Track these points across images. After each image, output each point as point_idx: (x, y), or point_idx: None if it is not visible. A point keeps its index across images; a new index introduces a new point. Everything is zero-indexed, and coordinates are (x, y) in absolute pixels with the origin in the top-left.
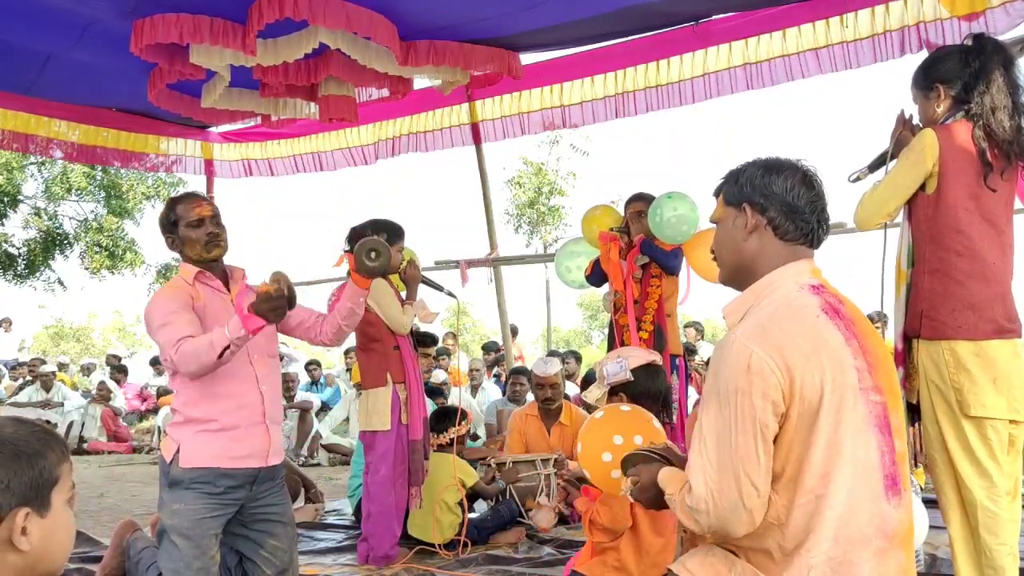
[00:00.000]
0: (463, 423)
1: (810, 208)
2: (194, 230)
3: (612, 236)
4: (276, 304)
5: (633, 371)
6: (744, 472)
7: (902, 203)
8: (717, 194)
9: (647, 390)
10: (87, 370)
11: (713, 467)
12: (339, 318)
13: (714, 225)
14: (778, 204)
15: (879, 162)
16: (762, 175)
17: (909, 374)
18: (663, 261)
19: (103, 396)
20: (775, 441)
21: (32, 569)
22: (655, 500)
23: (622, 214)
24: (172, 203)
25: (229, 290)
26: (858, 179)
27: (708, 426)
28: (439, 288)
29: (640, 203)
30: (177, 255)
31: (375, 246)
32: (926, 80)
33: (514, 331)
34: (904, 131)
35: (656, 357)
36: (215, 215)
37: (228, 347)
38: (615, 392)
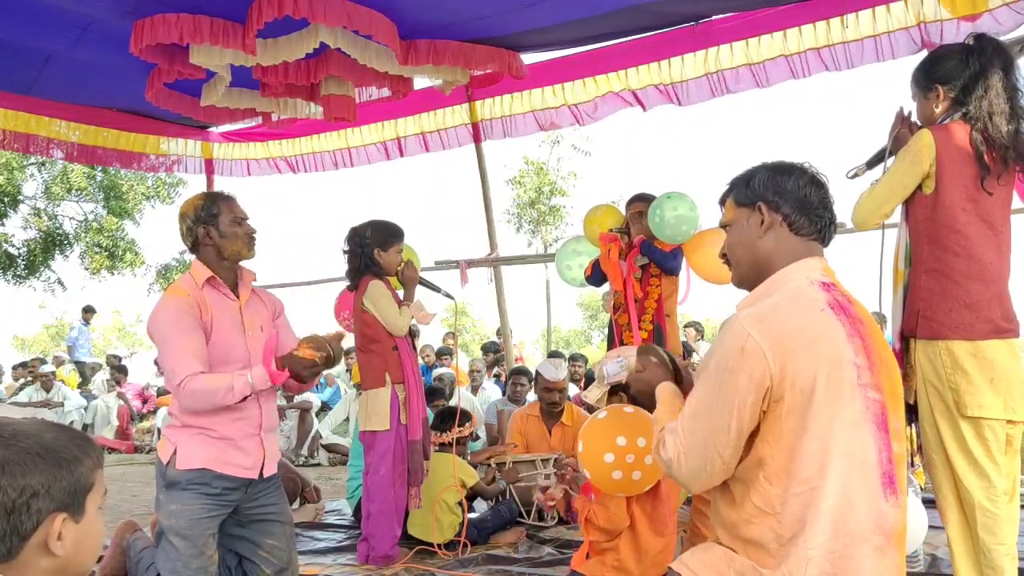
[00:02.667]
0: (467, 424)
1: (821, 204)
2: (239, 227)
3: (612, 236)
4: (316, 371)
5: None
6: (713, 443)
7: (899, 203)
8: (723, 201)
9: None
10: (93, 369)
11: (687, 433)
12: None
13: (716, 226)
14: (792, 201)
15: (877, 159)
16: (773, 175)
17: (906, 374)
18: (662, 262)
19: (120, 393)
20: (764, 426)
21: (62, 572)
22: (648, 397)
23: (624, 214)
24: (214, 197)
25: (239, 295)
26: (856, 175)
27: (695, 394)
28: (436, 289)
29: (641, 203)
30: (178, 254)
31: (321, 344)
32: (926, 80)
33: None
34: (903, 129)
35: None
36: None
37: (249, 395)
38: (615, 392)
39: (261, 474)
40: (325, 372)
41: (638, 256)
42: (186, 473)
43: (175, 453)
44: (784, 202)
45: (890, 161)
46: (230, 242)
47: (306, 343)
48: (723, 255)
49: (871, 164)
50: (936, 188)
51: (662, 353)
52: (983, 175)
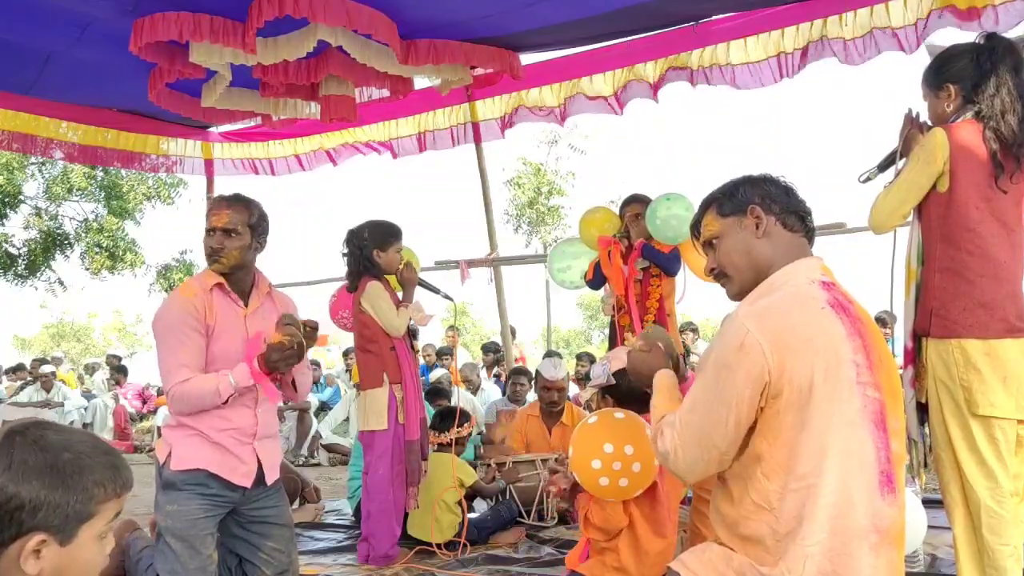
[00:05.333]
0: (466, 425)
1: (802, 203)
2: (206, 237)
3: (612, 240)
4: (288, 355)
5: (616, 373)
6: (711, 436)
7: (916, 203)
8: (697, 223)
9: (630, 392)
10: (91, 369)
11: (685, 426)
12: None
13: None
14: (780, 201)
15: (888, 161)
16: (756, 183)
17: (918, 373)
18: (665, 265)
19: (115, 395)
20: (762, 421)
21: None
22: (645, 379)
23: (619, 216)
24: (210, 201)
25: (249, 302)
26: (868, 179)
27: (694, 389)
28: (436, 291)
29: (637, 205)
30: (178, 254)
31: (292, 322)
32: (937, 79)
33: (512, 332)
34: (912, 129)
35: None
36: (226, 228)
37: (233, 394)
38: (604, 394)
39: (261, 481)
40: (324, 372)
41: (639, 259)
42: (182, 474)
43: (171, 454)
44: (774, 203)
45: (901, 163)
46: (204, 247)
47: (278, 328)
48: (712, 270)
49: (883, 167)
50: (950, 186)
51: (668, 339)
52: (997, 173)
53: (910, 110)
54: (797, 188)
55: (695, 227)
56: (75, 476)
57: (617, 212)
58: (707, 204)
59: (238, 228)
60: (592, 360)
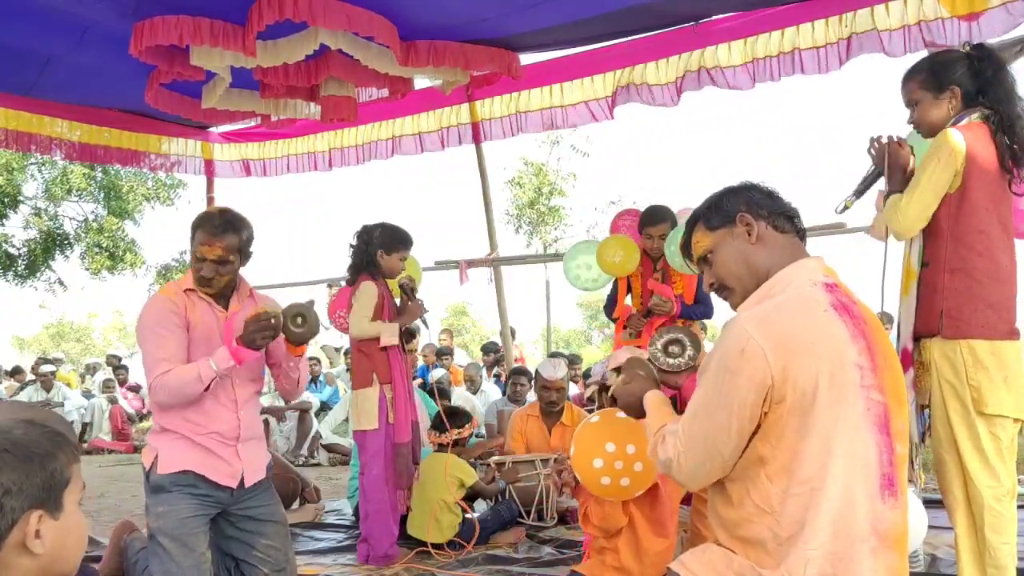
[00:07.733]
0: (467, 424)
1: (788, 206)
2: (196, 262)
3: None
4: (263, 326)
5: (612, 371)
6: (714, 442)
7: (938, 203)
8: (687, 243)
9: None
10: (92, 369)
11: (687, 433)
12: (281, 377)
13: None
14: (766, 205)
15: (866, 185)
16: (739, 192)
17: (918, 374)
18: (704, 316)
19: (111, 398)
20: (765, 426)
21: (47, 571)
22: (637, 411)
23: (635, 242)
24: (198, 220)
25: (229, 306)
26: (846, 208)
27: (696, 396)
28: (424, 323)
29: (663, 225)
30: (178, 254)
31: (301, 311)
32: (939, 81)
33: (512, 332)
34: (893, 144)
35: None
36: (219, 260)
37: (215, 378)
38: (603, 392)
39: (243, 483)
40: (324, 371)
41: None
42: (169, 476)
43: (157, 458)
44: (760, 207)
45: (881, 182)
46: (193, 270)
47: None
48: (712, 285)
49: (860, 192)
50: (963, 187)
51: (648, 365)
52: (1008, 178)
53: (880, 137)
54: (779, 191)
55: (685, 247)
56: (35, 447)
57: (632, 240)
58: (693, 222)
59: (230, 257)
60: (573, 361)
